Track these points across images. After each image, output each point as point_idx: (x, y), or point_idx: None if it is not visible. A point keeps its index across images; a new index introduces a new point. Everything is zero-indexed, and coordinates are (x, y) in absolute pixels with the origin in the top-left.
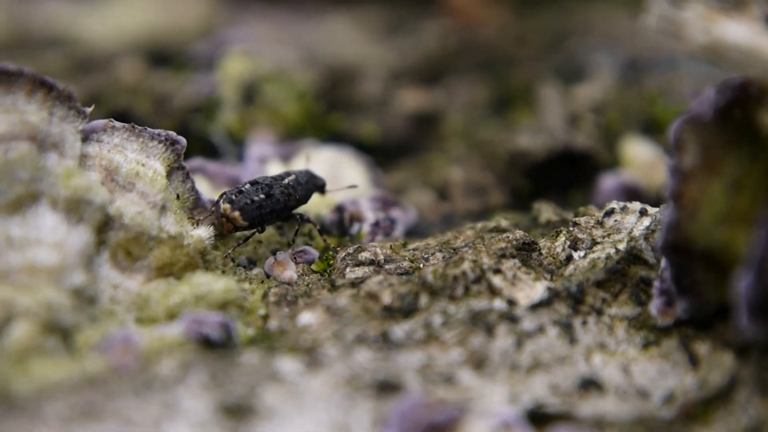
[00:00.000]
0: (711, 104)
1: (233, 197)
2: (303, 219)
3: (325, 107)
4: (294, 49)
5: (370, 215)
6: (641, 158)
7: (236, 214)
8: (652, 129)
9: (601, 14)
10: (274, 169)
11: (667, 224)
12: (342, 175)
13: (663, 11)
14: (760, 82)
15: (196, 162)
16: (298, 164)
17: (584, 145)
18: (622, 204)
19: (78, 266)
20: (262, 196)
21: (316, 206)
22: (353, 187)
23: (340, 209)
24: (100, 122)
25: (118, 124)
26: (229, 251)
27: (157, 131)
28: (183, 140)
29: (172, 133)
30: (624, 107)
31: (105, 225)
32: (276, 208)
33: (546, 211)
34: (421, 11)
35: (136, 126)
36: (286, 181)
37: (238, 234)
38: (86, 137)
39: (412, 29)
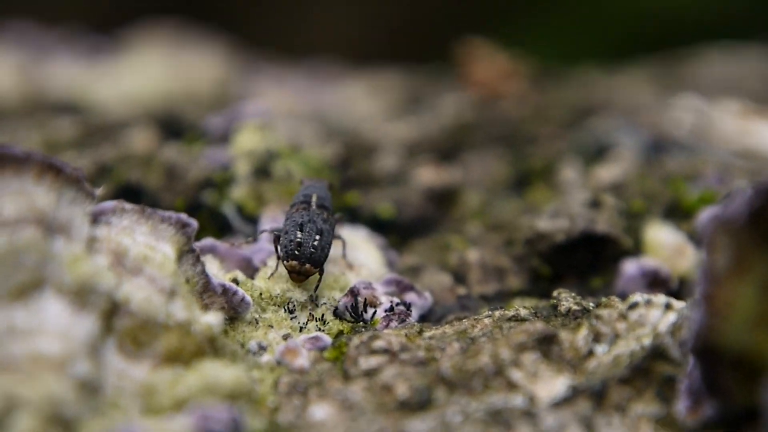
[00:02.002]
0: (746, 205)
1: (296, 252)
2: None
3: (340, 183)
4: (309, 120)
5: (384, 300)
6: (664, 244)
7: (308, 266)
8: (675, 213)
9: (624, 88)
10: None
11: (697, 325)
12: (356, 257)
13: (694, 107)
14: None
15: (206, 242)
16: None
17: (605, 229)
18: (646, 297)
19: (82, 355)
20: (317, 237)
21: (330, 289)
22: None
23: (353, 293)
24: (109, 204)
25: (128, 206)
26: (313, 293)
27: (167, 214)
28: (194, 223)
29: (183, 216)
30: (646, 190)
31: (111, 311)
32: (329, 239)
33: (566, 300)
34: (440, 80)
35: (146, 208)
36: (314, 205)
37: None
38: (95, 219)
39: (430, 100)
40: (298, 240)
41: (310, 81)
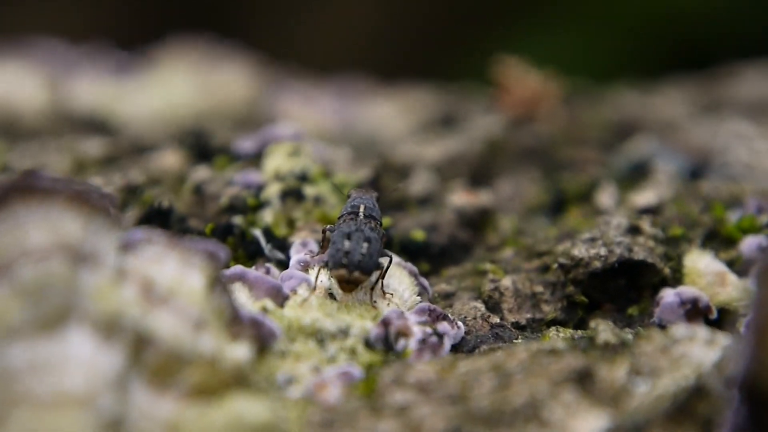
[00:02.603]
0: None
1: (342, 261)
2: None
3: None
4: (340, 141)
5: (417, 330)
6: (703, 272)
7: (357, 274)
8: (715, 240)
9: (659, 108)
10: (320, 276)
11: (746, 363)
12: (387, 284)
13: (737, 132)
14: None
15: (236, 270)
16: None
17: (643, 256)
18: (688, 331)
19: (108, 390)
20: (365, 245)
21: (361, 318)
22: (397, 188)
23: (385, 323)
24: (138, 234)
25: (156, 235)
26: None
27: (196, 243)
28: (224, 253)
29: (212, 246)
30: (685, 216)
31: (138, 345)
32: (378, 247)
33: (604, 332)
34: (472, 99)
35: (175, 237)
36: (361, 215)
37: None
38: (123, 249)
39: (463, 120)
40: (346, 249)
41: (339, 99)
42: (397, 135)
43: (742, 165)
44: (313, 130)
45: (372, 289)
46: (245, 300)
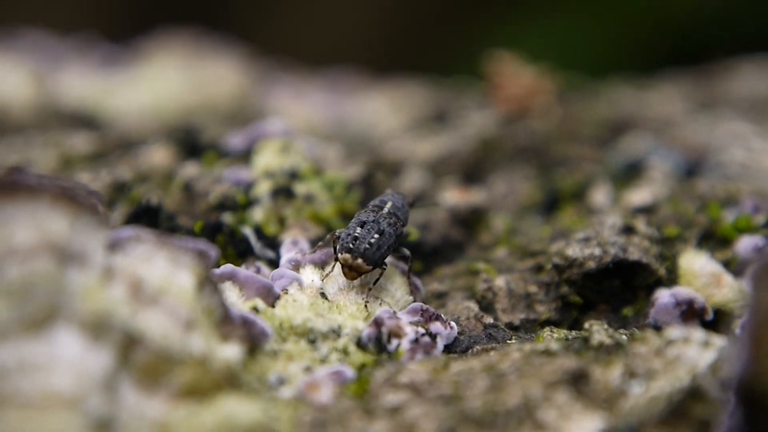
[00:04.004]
0: None
1: (350, 246)
2: (406, 257)
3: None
4: (331, 136)
5: (409, 330)
6: (699, 272)
7: (359, 261)
8: (710, 240)
9: (655, 105)
10: (308, 274)
11: (741, 366)
12: (380, 284)
13: (735, 132)
14: None
15: (226, 269)
16: (334, 270)
17: (637, 256)
18: (683, 332)
19: (96, 391)
20: (376, 236)
21: (353, 318)
22: (435, 205)
23: (377, 323)
24: (125, 232)
25: (144, 234)
26: (366, 300)
27: (186, 242)
28: (214, 252)
29: (202, 244)
30: (680, 215)
31: (127, 345)
32: (390, 242)
33: (598, 333)
34: (465, 94)
35: (163, 235)
36: (385, 210)
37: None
38: (111, 248)
39: (456, 116)
40: (356, 235)
41: (330, 93)
42: (390, 131)
43: (738, 164)
44: (305, 125)
45: (369, 288)
46: (236, 299)
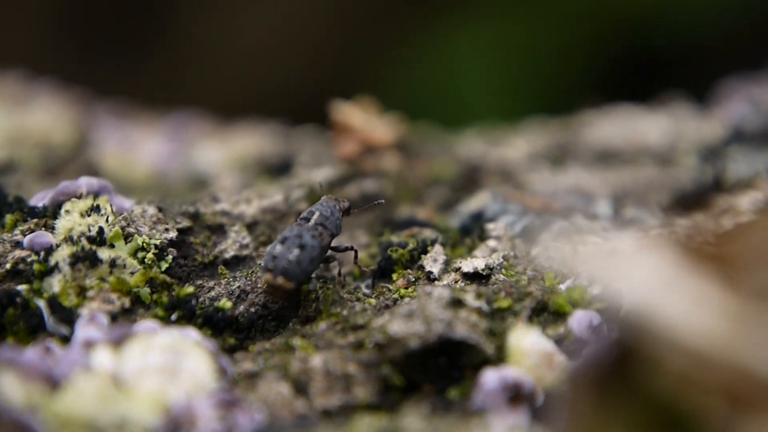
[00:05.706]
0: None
1: (269, 265)
2: (349, 249)
3: (177, 270)
4: (158, 192)
5: (205, 419)
6: (529, 351)
7: (280, 280)
8: (543, 314)
9: (504, 156)
10: (102, 357)
11: None
12: (181, 366)
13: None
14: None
15: (4, 353)
16: (132, 350)
17: (464, 333)
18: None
19: None
20: (296, 251)
21: (146, 403)
22: (380, 202)
23: (168, 412)
24: None
25: None
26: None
27: None
28: None
29: None
30: (514, 285)
31: None
32: (314, 255)
33: (414, 419)
34: (310, 144)
35: None
36: (311, 222)
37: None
38: None
39: (295, 170)
40: (274, 253)
41: (169, 142)
42: (224, 184)
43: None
44: (133, 178)
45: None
46: (13, 390)
